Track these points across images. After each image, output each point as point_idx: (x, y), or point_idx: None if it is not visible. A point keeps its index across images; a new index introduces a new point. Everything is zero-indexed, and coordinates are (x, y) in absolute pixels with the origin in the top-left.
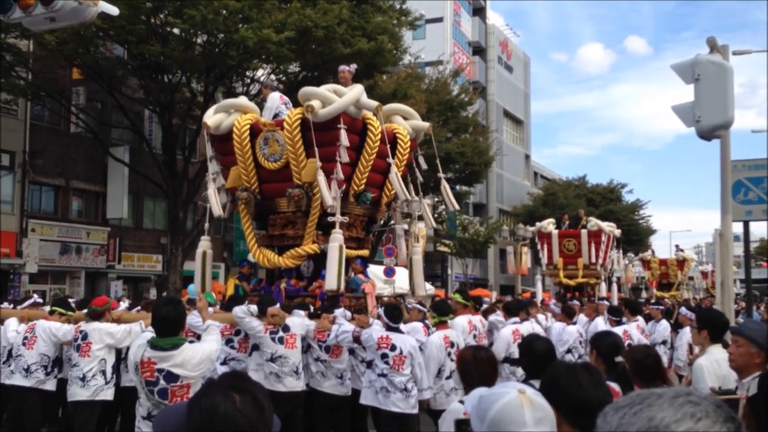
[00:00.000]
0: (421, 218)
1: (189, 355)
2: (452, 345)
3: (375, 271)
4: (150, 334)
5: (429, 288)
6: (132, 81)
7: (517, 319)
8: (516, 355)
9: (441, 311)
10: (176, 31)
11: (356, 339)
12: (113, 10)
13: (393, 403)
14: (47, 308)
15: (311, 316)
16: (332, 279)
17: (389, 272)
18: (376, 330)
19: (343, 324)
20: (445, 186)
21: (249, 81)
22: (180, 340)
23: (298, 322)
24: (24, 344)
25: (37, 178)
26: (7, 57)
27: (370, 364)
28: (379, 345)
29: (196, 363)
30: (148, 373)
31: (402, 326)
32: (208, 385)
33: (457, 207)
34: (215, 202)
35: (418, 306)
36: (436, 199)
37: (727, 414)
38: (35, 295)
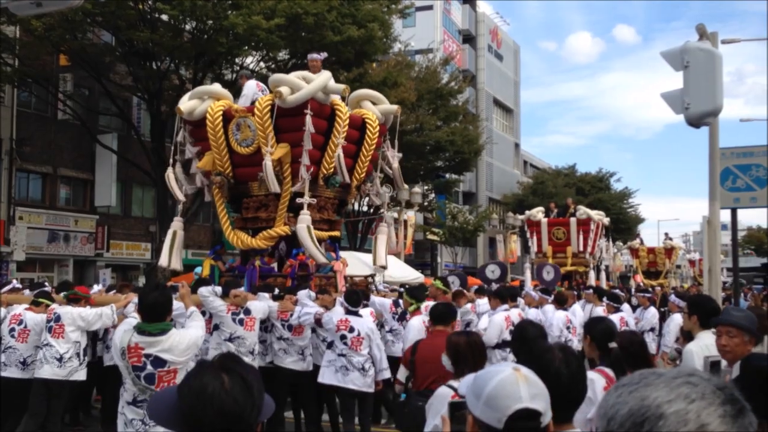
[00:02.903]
0: (409, 205)
1: (176, 341)
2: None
3: (364, 259)
4: (134, 320)
5: (418, 276)
6: (120, 68)
7: (507, 306)
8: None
9: (418, 297)
10: (165, 17)
11: (318, 321)
12: None
13: (351, 381)
14: (27, 292)
15: (275, 298)
16: (317, 255)
17: None
18: (336, 313)
19: (306, 305)
20: (397, 167)
21: (238, 68)
22: (167, 326)
23: (260, 306)
24: (13, 336)
25: (25, 166)
26: None
27: (330, 345)
28: (339, 327)
29: (184, 348)
30: (135, 358)
31: (373, 299)
32: (199, 366)
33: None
34: (174, 186)
35: (392, 288)
36: (426, 187)
37: (728, 396)
38: (14, 281)
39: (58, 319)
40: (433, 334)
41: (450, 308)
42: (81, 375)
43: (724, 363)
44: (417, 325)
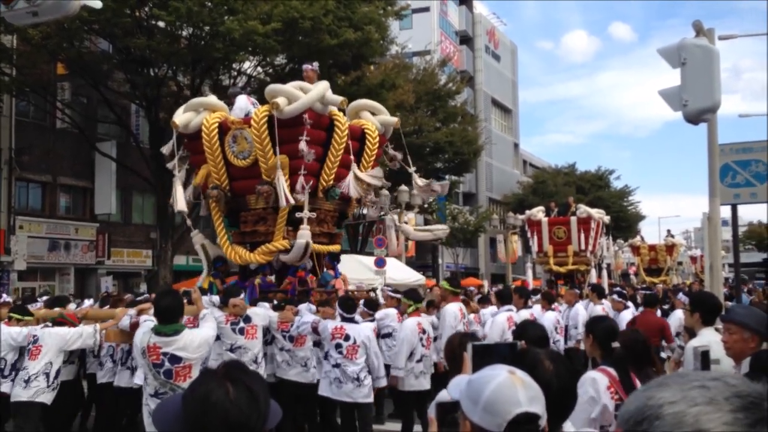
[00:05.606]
0: (409, 207)
1: (189, 340)
2: (423, 332)
3: (366, 262)
4: (151, 322)
5: (420, 278)
6: (118, 75)
7: (510, 306)
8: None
9: (415, 299)
10: (161, 24)
11: (314, 329)
12: (96, 4)
13: (345, 393)
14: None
15: (275, 308)
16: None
17: (380, 263)
18: (332, 321)
19: (304, 315)
20: (416, 180)
21: (236, 73)
22: (181, 327)
23: (261, 313)
24: None
25: (24, 175)
26: None
27: (326, 356)
28: (333, 335)
29: (196, 346)
30: (155, 356)
31: (378, 313)
32: (204, 374)
33: (436, 192)
34: (180, 198)
35: (392, 294)
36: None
37: (746, 403)
38: (4, 295)
39: (36, 341)
40: (644, 314)
41: (656, 295)
42: (47, 398)
43: (732, 363)
44: (411, 326)
